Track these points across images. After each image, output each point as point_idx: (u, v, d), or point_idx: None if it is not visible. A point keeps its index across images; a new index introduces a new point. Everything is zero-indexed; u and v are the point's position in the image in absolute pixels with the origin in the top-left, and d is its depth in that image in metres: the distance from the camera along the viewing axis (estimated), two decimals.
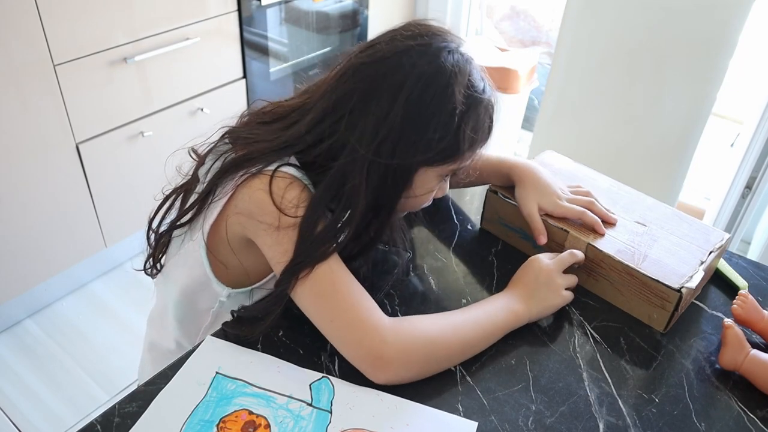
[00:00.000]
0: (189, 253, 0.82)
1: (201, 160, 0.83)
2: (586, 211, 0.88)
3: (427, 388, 0.73)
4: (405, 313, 0.83)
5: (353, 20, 2.34)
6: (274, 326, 0.77)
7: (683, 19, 1.62)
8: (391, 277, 0.86)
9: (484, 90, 0.76)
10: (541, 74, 2.60)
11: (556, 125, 1.97)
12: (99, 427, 0.68)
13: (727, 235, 0.89)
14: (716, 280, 0.92)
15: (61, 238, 1.77)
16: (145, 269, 0.89)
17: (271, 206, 0.72)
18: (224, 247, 0.79)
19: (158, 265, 0.89)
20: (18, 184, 1.60)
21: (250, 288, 0.85)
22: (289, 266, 0.72)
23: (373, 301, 0.74)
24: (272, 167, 0.74)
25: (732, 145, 2.31)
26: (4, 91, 1.48)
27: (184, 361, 0.74)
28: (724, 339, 0.78)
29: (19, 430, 1.58)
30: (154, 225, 0.85)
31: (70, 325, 1.86)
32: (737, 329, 0.78)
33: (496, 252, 0.95)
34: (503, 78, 2.38)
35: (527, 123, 2.68)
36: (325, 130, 0.75)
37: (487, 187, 0.97)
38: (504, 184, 0.95)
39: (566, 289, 0.84)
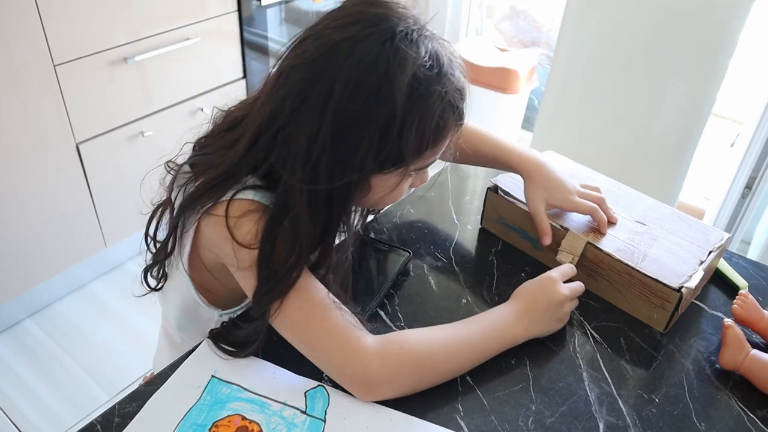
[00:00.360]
0: (177, 279, 0.81)
1: (171, 183, 0.79)
2: (598, 208, 0.87)
3: (427, 389, 0.73)
4: (405, 313, 0.83)
5: None
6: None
7: (683, 19, 1.62)
8: (391, 277, 0.86)
9: (439, 77, 0.65)
10: (541, 74, 2.60)
11: (556, 125, 1.97)
12: (99, 427, 0.68)
13: (726, 235, 0.89)
14: (716, 280, 0.92)
15: (61, 238, 1.77)
16: (147, 283, 0.86)
17: (230, 241, 0.68)
18: (206, 274, 0.78)
19: (159, 283, 0.87)
20: (18, 184, 1.60)
21: (241, 307, 0.84)
22: (255, 302, 0.69)
23: (353, 316, 0.71)
24: (228, 196, 0.69)
25: (732, 145, 2.31)
26: (4, 91, 1.48)
27: (182, 362, 0.74)
28: (724, 339, 0.78)
29: (19, 430, 1.58)
30: (150, 232, 0.83)
31: (70, 325, 1.86)
32: (737, 329, 0.78)
33: (496, 252, 0.95)
34: (503, 78, 2.38)
35: (527, 123, 2.68)
36: (261, 152, 0.69)
37: (487, 186, 0.97)
38: (506, 170, 0.94)
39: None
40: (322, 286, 0.71)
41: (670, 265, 0.83)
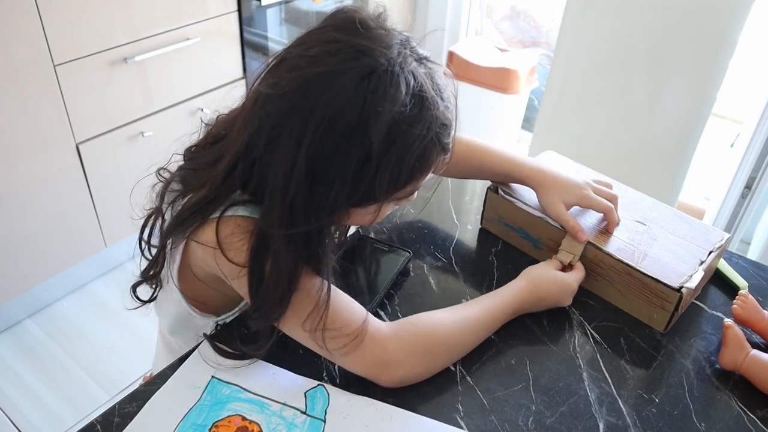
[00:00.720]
0: (169, 291, 0.80)
1: (161, 194, 0.77)
2: (613, 209, 0.87)
3: (427, 388, 0.73)
4: (405, 313, 0.83)
5: None
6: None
7: (683, 19, 1.62)
8: (391, 277, 0.86)
9: (420, 115, 0.62)
10: (541, 74, 2.60)
11: (556, 125, 1.97)
12: (99, 427, 0.68)
13: (726, 235, 0.89)
14: (716, 280, 0.92)
15: (61, 238, 1.77)
16: (136, 297, 0.85)
17: (223, 259, 0.67)
18: (199, 285, 0.77)
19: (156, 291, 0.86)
20: (18, 184, 1.60)
21: (237, 311, 0.84)
22: (254, 319, 0.69)
23: (363, 308, 0.72)
24: (216, 214, 0.68)
25: (732, 145, 2.31)
26: (4, 91, 1.48)
27: (182, 363, 0.74)
28: (724, 339, 0.78)
29: (19, 430, 1.58)
30: (144, 236, 0.83)
31: (70, 325, 1.86)
32: (737, 329, 0.78)
33: (496, 252, 0.95)
34: (503, 78, 2.38)
35: (527, 123, 2.68)
36: (239, 179, 0.67)
37: (487, 186, 0.97)
38: (514, 182, 0.94)
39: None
40: (324, 281, 0.70)
41: (670, 264, 0.83)
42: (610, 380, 0.76)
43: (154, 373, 0.74)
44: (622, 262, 0.83)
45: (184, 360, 0.75)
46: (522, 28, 2.89)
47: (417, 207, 1.03)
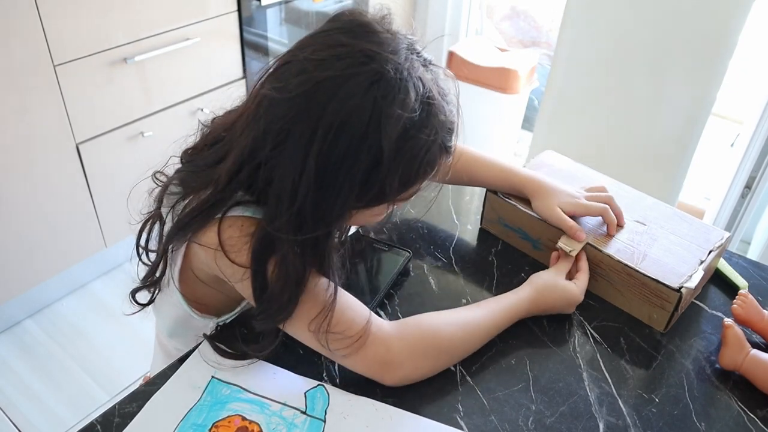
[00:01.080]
0: (169, 294, 0.80)
1: (159, 197, 0.77)
2: (608, 208, 0.88)
3: (427, 388, 0.73)
4: (405, 313, 0.83)
5: None
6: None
7: (683, 19, 1.62)
8: (391, 277, 0.86)
9: (428, 120, 0.63)
10: (541, 74, 2.60)
11: (556, 125, 1.97)
12: (99, 427, 0.68)
13: (727, 234, 0.89)
14: (716, 280, 0.92)
15: (61, 238, 1.77)
16: (135, 300, 0.84)
17: (225, 260, 0.67)
18: (200, 286, 0.77)
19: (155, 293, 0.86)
20: (18, 184, 1.60)
21: (237, 312, 0.84)
22: (259, 321, 0.69)
23: (366, 308, 0.72)
24: (219, 216, 0.68)
25: (732, 145, 2.31)
26: (4, 91, 1.48)
27: (182, 363, 0.74)
28: (724, 339, 0.78)
29: (19, 430, 1.58)
30: (142, 242, 0.82)
31: (70, 325, 1.86)
32: (737, 329, 0.78)
33: (496, 252, 0.95)
34: (503, 78, 2.38)
35: (527, 123, 2.68)
36: (244, 183, 0.67)
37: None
38: (510, 193, 0.94)
39: None
40: (330, 282, 0.70)
41: (670, 265, 0.83)
42: (610, 380, 0.76)
43: (152, 374, 0.74)
44: (621, 263, 0.83)
45: (184, 360, 0.75)
46: (522, 28, 2.89)
47: (421, 209, 1.03)
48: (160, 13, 1.70)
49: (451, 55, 2.48)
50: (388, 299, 0.85)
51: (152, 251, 0.82)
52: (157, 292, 0.83)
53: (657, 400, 0.74)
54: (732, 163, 1.93)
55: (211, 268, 0.72)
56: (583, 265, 0.86)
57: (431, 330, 0.74)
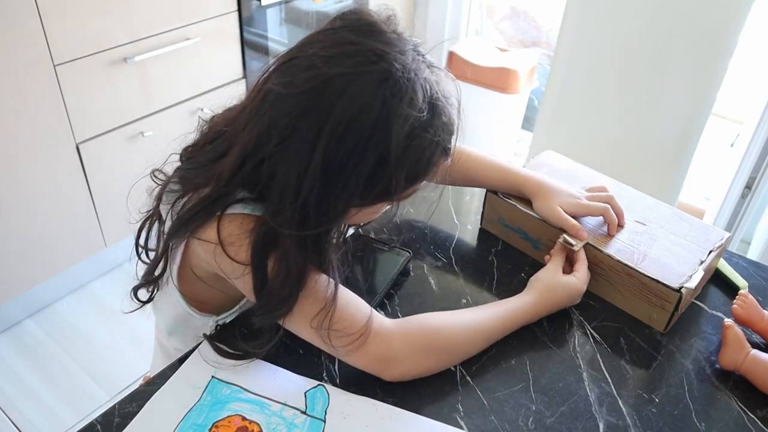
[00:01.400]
0: (168, 292, 0.80)
1: (158, 195, 0.77)
2: (609, 208, 0.88)
3: (427, 388, 0.73)
4: (405, 313, 0.83)
5: None
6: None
7: (683, 19, 1.62)
8: (391, 277, 0.86)
9: (432, 121, 0.64)
10: (541, 74, 2.60)
11: (556, 125, 1.97)
12: (99, 427, 0.68)
13: (727, 234, 0.89)
14: (716, 280, 0.92)
15: (61, 238, 1.77)
16: (137, 298, 0.85)
17: (224, 257, 0.67)
18: (199, 284, 0.78)
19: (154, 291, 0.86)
20: (18, 184, 1.60)
21: (236, 310, 0.84)
22: (259, 316, 0.69)
23: (367, 305, 0.72)
24: (219, 212, 0.68)
25: (732, 145, 2.31)
26: (4, 91, 1.48)
27: (182, 363, 0.74)
28: (724, 339, 0.78)
29: (19, 430, 1.58)
30: (141, 242, 0.82)
31: (70, 325, 1.86)
32: (737, 329, 0.78)
33: (496, 252, 0.95)
34: (503, 78, 2.38)
35: (527, 123, 2.68)
36: (246, 178, 0.67)
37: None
38: (511, 193, 0.94)
39: None
40: (330, 279, 0.70)
41: (670, 265, 0.83)
42: (610, 380, 0.76)
43: (152, 374, 0.74)
44: (621, 263, 0.83)
45: (184, 360, 0.75)
46: (522, 28, 2.89)
47: (421, 210, 1.03)
48: (160, 13, 1.70)
49: (451, 55, 2.47)
50: (388, 299, 0.85)
51: (151, 250, 0.82)
52: (155, 290, 0.83)
53: (657, 400, 0.74)
54: (732, 163, 1.93)
55: (210, 265, 0.72)
56: (580, 255, 0.85)
57: (433, 329, 0.74)
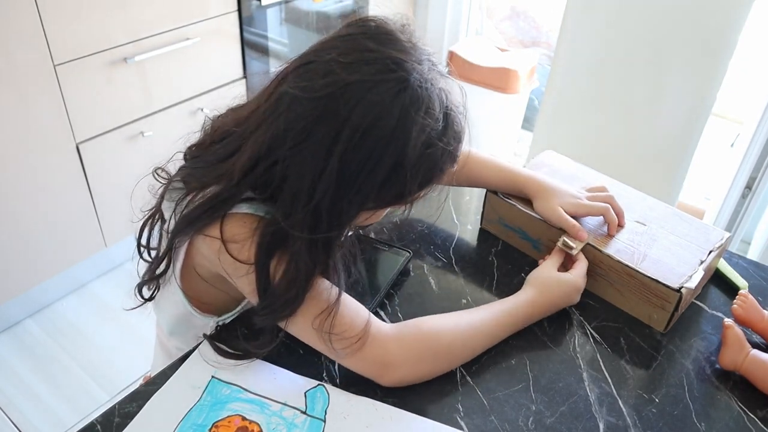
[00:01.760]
0: (170, 291, 0.80)
1: (161, 194, 0.78)
2: (609, 208, 0.88)
3: (427, 388, 0.73)
4: (405, 313, 0.83)
5: None
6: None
7: (683, 19, 1.62)
8: (391, 277, 0.86)
9: (445, 131, 0.66)
10: (541, 74, 2.60)
11: (556, 125, 1.97)
12: (99, 427, 0.68)
13: (727, 234, 0.89)
14: (716, 280, 0.92)
15: (61, 238, 1.77)
16: (141, 295, 0.85)
17: (227, 256, 0.68)
18: (201, 284, 0.78)
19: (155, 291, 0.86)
20: (18, 184, 1.60)
21: (237, 311, 0.84)
22: (260, 317, 0.69)
23: (366, 309, 0.72)
24: (227, 211, 0.69)
25: (732, 145, 2.31)
26: (4, 91, 1.48)
27: (182, 363, 0.74)
28: (724, 339, 0.78)
29: (19, 430, 1.58)
30: (143, 241, 0.83)
31: (70, 325, 1.86)
32: (737, 329, 0.78)
33: (496, 252, 0.95)
34: (503, 78, 2.38)
35: (527, 123, 2.68)
36: (258, 179, 0.67)
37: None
38: (512, 193, 0.94)
39: None
40: (330, 283, 0.70)
41: (670, 265, 0.83)
42: (610, 380, 0.76)
43: (153, 373, 0.74)
44: (621, 263, 0.83)
45: (185, 360, 0.75)
46: (522, 28, 2.89)
47: (417, 207, 1.03)
48: (160, 13, 1.70)
49: (451, 55, 2.48)
50: (388, 299, 0.85)
51: (153, 248, 0.82)
52: (156, 290, 0.83)
53: (657, 400, 0.74)
54: (732, 163, 1.93)
55: (213, 264, 0.72)
56: (579, 255, 0.85)
57: (430, 334, 0.74)
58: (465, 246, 0.96)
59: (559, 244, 0.85)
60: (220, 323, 0.81)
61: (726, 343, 0.77)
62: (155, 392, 0.71)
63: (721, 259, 0.93)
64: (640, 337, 0.83)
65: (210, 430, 0.67)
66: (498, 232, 0.98)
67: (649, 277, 0.81)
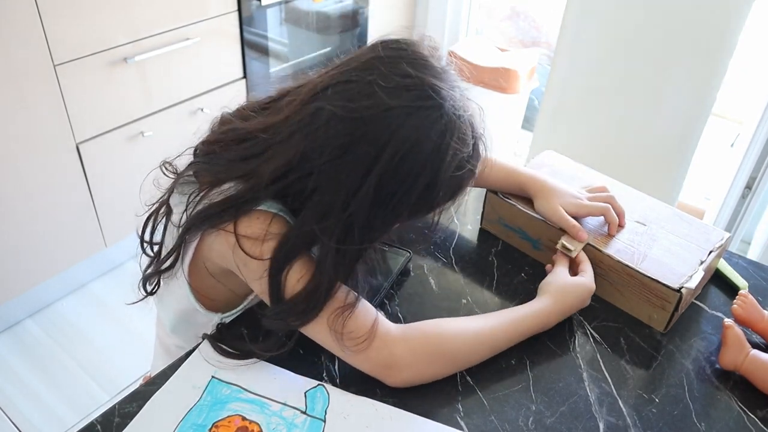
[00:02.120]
0: (176, 285, 0.80)
1: (170, 188, 0.78)
2: (610, 208, 0.88)
3: (427, 388, 0.73)
4: (405, 313, 0.83)
5: (353, 20, 2.34)
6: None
7: (683, 19, 1.62)
8: (391, 277, 0.86)
9: (474, 153, 0.70)
10: (541, 74, 2.60)
11: (556, 125, 1.97)
12: (99, 427, 0.68)
13: (727, 235, 0.89)
14: (716, 280, 0.92)
15: (61, 238, 1.77)
16: (145, 289, 0.86)
17: (240, 252, 0.68)
18: (208, 280, 0.78)
19: (156, 286, 0.86)
20: (18, 184, 1.60)
21: (241, 309, 0.84)
22: (272, 320, 0.70)
23: (374, 309, 0.73)
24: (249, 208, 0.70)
25: (732, 145, 2.31)
26: (4, 91, 1.48)
27: (182, 362, 0.74)
28: (724, 339, 0.78)
29: (19, 430, 1.58)
30: (147, 237, 0.83)
31: (70, 325, 1.86)
32: (737, 329, 0.78)
33: (496, 252, 0.95)
34: (503, 78, 2.38)
35: (527, 123, 2.68)
36: (290, 186, 0.69)
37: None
38: (513, 193, 0.94)
39: None
40: (343, 285, 0.71)
41: (670, 265, 0.83)
42: (610, 380, 0.76)
43: (153, 373, 0.74)
44: (621, 263, 0.83)
45: (185, 360, 0.75)
46: (522, 28, 2.89)
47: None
48: (160, 13, 1.70)
49: (451, 55, 2.48)
50: (388, 299, 0.85)
51: (156, 243, 0.83)
52: (157, 287, 0.84)
53: (657, 400, 0.74)
54: (732, 163, 1.93)
55: (225, 260, 0.72)
56: (582, 255, 0.85)
57: (437, 337, 0.73)
58: (465, 246, 0.96)
59: (558, 247, 0.85)
60: (224, 320, 0.82)
61: (726, 343, 0.77)
62: (155, 392, 0.71)
63: (721, 259, 0.93)
64: (640, 337, 0.83)
65: (210, 430, 0.67)
66: (498, 232, 0.98)
67: (649, 277, 0.81)
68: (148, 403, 0.69)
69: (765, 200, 1.94)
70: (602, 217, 0.89)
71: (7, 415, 1.61)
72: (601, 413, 0.72)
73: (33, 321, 1.87)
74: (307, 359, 0.75)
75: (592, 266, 0.86)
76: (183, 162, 0.80)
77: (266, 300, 0.71)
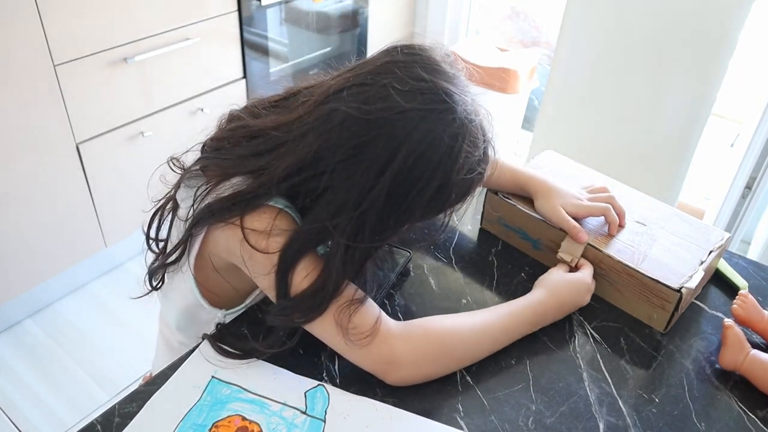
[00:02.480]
0: (182, 280, 0.81)
1: (178, 183, 0.79)
2: (610, 208, 0.88)
3: (427, 388, 0.73)
4: (405, 313, 0.83)
5: (353, 20, 2.34)
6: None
7: (683, 19, 1.62)
8: (391, 277, 0.86)
9: (484, 157, 0.72)
10: (541, 74, 2.60)
11: (556, 125, 1.97)
12: (99, 427, 0.68)
13: (727, 235, 0.89)
14: (716, 280, 0.92)
15: (61, 238, 1.77)
16: (150, 284, 0.86)
17: (246, 246, 0.69)
18: (213, 275, 0.78)
19: (160, 282, 0.87)
20: (18, 184, 1.60)
21: (243, 307, 0.84)
22: (276, 317, 0.71)
23: (377, 306, 0.73)
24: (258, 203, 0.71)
25: (732, 145, 2.31)
26: (4, 91, 1.48)
27: (183, 362, 0.74)
28: (724, 339, 0.78)
29: (19, 430, 1.58)
30: (152, 234, 0.84)
31: (70, 325, 1.86)
32: (737, 329, 0.78)
33: (496, 252, 0.95)
34: (503, 78, 2.38)
35: (527, 123, 2.68)
36: (302, 184, 0.70)
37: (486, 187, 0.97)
38: (514, 192, 0.94)
39: None
40: (350, 284, 0.71)
41: (670, 265, 0.83)
42: (610, 380, 0.76)
43: (154, 374, 0.74)
44: (621, 263, 0.83)
45: (185, 360, 0.75)
46: (522, 28, 2.89)
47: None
48: (160, 13, 1.70)
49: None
50: (388, 299, 0.85)
51: (161, 240, 0.83)
52: (161, 282, 0.84)
53: (657, 400, 0.74)
54: (732, 163, 1.93)
55: (231, 254, 0.73)
56: (582, 260, 0.86)
57: (437, 335, 0.74)
58: (465, 246, 0.96)
59: (558, 258, 0.86)
60: (226, 318, 0.82)
61: (726, 343, 0.77)
62: (155, 392, 0.71)
63: (721, 259, 0.93)
64: (640, 337, 0.83)
65: (210, 430, 0.67)
66: (498, 232, 0.98)
67: (649, 277, 0.81)
68: (148, 403, 0.69)
69: (765, 200, 1.94)
70: (602, 218, 0.89)
71: (7, 415, 1.61)
72: (601, 413, 0.72)
73: (33, 321, 1.87)
74: (307, 359, 0.75)
75: (593, 266, 0.86)
76: (190, 158, 0.80)
77: (271, 296, 0.71)
